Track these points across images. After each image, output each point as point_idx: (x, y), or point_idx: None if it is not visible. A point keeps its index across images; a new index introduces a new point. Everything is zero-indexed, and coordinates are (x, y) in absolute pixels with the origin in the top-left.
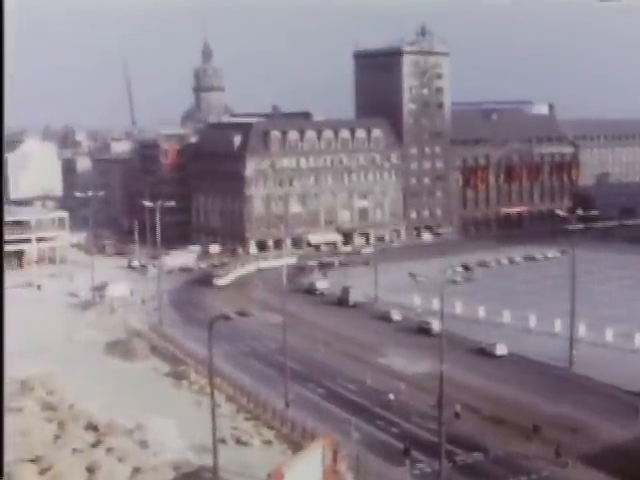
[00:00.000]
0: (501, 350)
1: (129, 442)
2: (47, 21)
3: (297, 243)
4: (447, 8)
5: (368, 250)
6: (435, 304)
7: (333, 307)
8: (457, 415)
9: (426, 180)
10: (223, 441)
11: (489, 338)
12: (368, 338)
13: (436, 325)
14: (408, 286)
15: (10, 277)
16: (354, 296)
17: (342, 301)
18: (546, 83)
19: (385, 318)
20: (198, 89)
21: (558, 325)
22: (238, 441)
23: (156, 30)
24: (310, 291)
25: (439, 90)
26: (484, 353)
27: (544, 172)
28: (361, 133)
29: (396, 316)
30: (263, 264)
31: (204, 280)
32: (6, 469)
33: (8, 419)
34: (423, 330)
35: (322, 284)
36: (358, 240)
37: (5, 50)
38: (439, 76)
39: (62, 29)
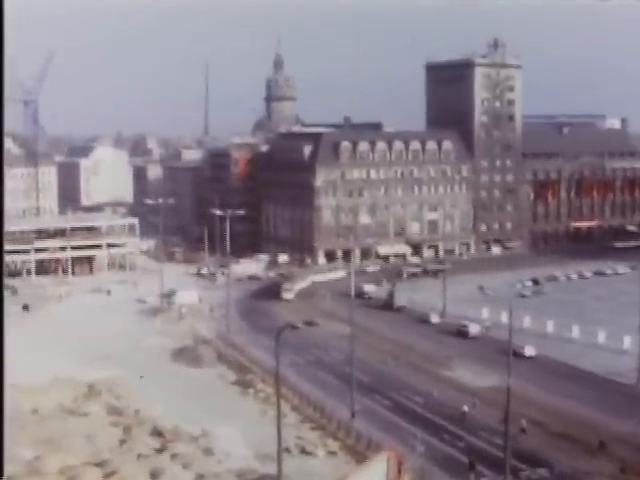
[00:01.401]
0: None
1: (194, 449)
2: (128, 30)
3: (366, 254)
4: (521, 22)
5: (437, 265)
6: (504, 317)
7: (400, 319)
8: (523, 430)
9: (496, 193)
10: (288, 450)
11: (557, 353)
12: (434, 350)
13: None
14: (477, 299)
15: (80, 282)
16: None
17: (408, 312)
18: (619, 97)
19: (452, 330)
20: (270, 99)
21: (627, 342)
22: (302, 451)
23: (229, 39)
24: (375, 301)
25: (511, 103)
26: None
27: (616, 187)
28: (432, 145)
29: (473, 329)
30: (331, 275)
31: (272, 289)
32: (71, 472)
33: (75, 422)
34: (492, 343)
35: (373, 291)
36: (427, 252)
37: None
38: (511, 89)
39: (140, 36)
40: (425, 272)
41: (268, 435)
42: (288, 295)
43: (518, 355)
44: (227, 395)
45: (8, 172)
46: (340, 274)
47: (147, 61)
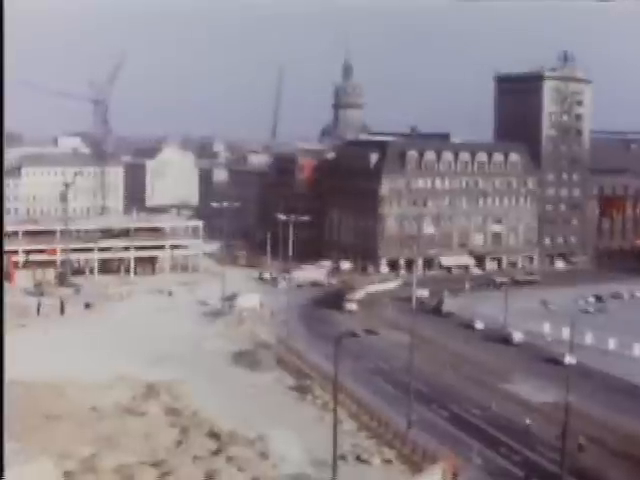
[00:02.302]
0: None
1: (250, 452)
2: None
3: (429, 264)
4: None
5: (528, 276)
6: (565, 333)
7: (462, 330)
8: (581, 447)
9: (562, 207)
10: (343, 458)
11: (618, 371)
12: (496, 363)
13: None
14: (539, 313)
15: (143, 283)
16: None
17: (471, 325)
18: None
19: (513, 344)
20: (337, 106)
21: None
22: (358, 458)
23: (298, 45)
24: (438, 313)
25: (579, 117)
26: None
27: None
28: (498, 157)
29: (517, 337)
30: (392, 283)
31: (334, 296)
32: (126, 471)
33: (132, 421)
34: (552, 360)
35: (450, 306)
36: (490, 265)
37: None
38: (580, 103)
39: (211, 39)
40: (494, 283)
41: (324, 441)
42: (351, 306)
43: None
44: (285, 400)
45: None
46: (397, 284)
47: (217, 64)
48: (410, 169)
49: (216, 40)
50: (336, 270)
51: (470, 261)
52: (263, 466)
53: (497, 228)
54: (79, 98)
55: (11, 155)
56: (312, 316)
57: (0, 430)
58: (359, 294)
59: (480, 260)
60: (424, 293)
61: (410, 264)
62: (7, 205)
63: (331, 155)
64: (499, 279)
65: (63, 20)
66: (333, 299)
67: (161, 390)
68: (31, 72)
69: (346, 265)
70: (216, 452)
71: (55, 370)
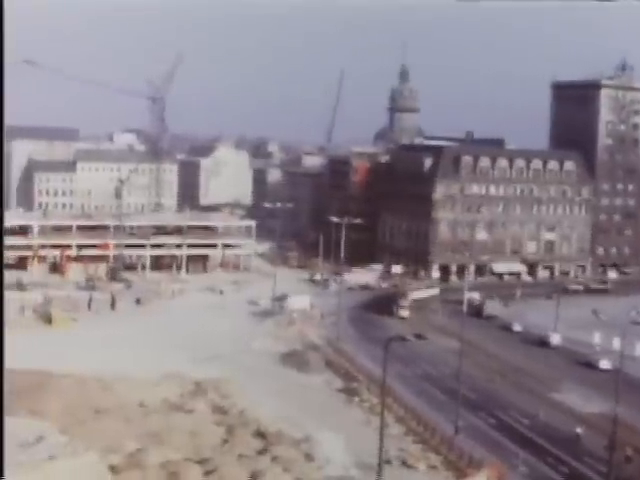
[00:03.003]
0: None
1: (295, 453)
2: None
3: (480, 270)
4: None
5: (600, 285)
6: (615, 344)
7: (510, 338)
8: (628, 459)
9: (616, 217)
10: (389, 462)
11: None
12: (544, 372)
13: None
14: (590, 323)
15: (194, 280)
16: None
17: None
18: None
19: (564, 354)
20: (393, 109)
21: None
22: (404, 463)
23: (355, 47)
24: (489, 320)
25: (636, 126)
26: None
27: None
28: (554, 164)
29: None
30: (444, 287)
31: (384, 300)
32: (172, 467)
33: (179, 418)
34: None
35: (499, 313)
36: (542, 273)
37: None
38: (637, 112)
39: (270, 41)
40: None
41: (370, 445)
42: (403, 313)
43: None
44: (332, 402)
45: (128, 168)
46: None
47: (275, 65)
48: (464, 174)
49: (274, 41)
50: (387, 274)
51: (522, 268)
52: (308, 467)
53: (550, 236)
54: (137, 95)
55: (67, 150)
56: (362, 319)
57: (0, 430)
58: (409, 300)
59: (532, 268)
60: (475, 298)
61: (462, 270)
62: (62, 200)
63: (385, 158)
64: (573, 286)
65: (124, 18)
66: (383, 303)
67: (209, 388)
68: (90, 69)
69: (397, 269)
70: (261, 452)
71: (105, 365)
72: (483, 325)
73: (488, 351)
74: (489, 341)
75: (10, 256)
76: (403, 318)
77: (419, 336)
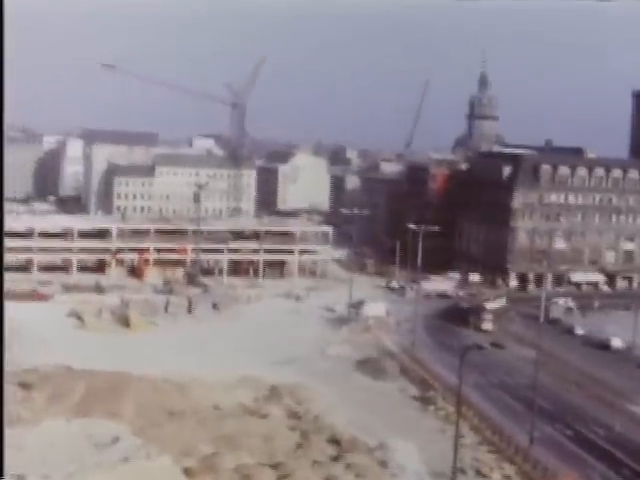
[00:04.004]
0: None
1: (369, 460)
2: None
3: (558, 280)
4: None
5: None
6: None
7: (591, 350)
8: None
9: None
10: (462, 471)
11: None
12: (622, 384)
13: None
14: None
15: (270, 286)
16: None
17: (602, 345)
18: None
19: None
20: (472, 117)
21: None
22: (478, 473)
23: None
24: (569, 333)
25: None
26: None
27: None
28: (634, 174)
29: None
30: (520, 296)
31: (461, 308)
32: (245, 471)
33: (254, 422)
34: None
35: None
36: (621, 283)
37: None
38: None
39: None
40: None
41: (444, 453)
42: (487, 325)
43: None
44: (407, 410)
45: (207, 173)
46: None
47: (353, 71)
48: (543, 183)
49: (354, 45)
50: (464, 282)
51: (600, 278)
52: (382, 475)
53: (630, 246)
54: (218, 101)
55: (146, 154)
56: (438, 327)
57: (0, 430)
58: (490, 306)
59: (611, 278)
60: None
61: (539, 279)
62: (141, 203)
63: (464, 166)
64: None
65: (201, 21)
66: (460, 311)
67: (284, 393)
68: (170, 73)
69: (475, 277)
70: (335, 458)
71: (180, 368)
72: (561, 335)
73: (565, 361)
74: (565, 351)
75: (89, 259)
76: (486, 331)
77: (496, 345)
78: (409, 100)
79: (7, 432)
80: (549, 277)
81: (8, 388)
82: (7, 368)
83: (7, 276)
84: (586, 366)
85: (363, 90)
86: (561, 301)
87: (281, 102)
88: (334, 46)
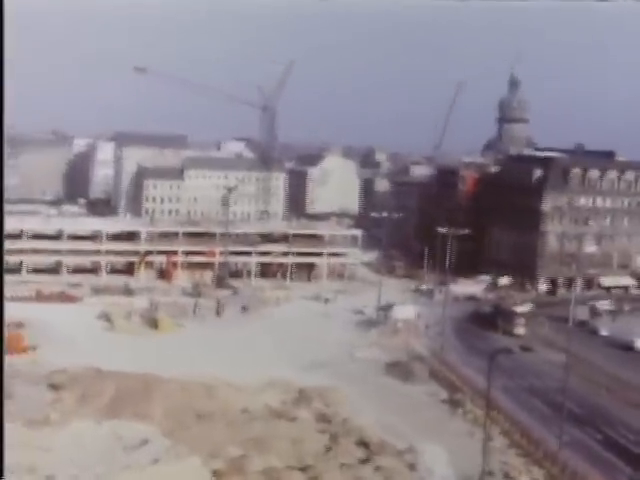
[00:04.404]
0: None
1: (398, 463)
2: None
3: (588, 284)
4: None
5: None
6: None
7: (619, 353)
8: None
9: None
10: (491, 474)
11: None
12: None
13: None
14: None
15: (300, 289)
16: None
17: (629, 347)
18: None
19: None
20: (502, 120)
21: None
22: (506, 476)
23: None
24: (597, 335)
25: None
26: None
27: None
28: None
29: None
30: (549, 300)
31: (491, 311)
32: (274, 474)
33: (282, 425)
34: None
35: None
36: None
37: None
38: None
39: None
40: None
41: (473, 457)
42: (519, 330)
43: None
44: (436, 413)
45: (236, 175)
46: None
47: (381, 74)
48: (573, 186)
49: (383, 49)
50: (493, 285)
51: (631, 282)
52: (411, 478)
53: None
54: (248, 103)
55: (176, 157)
56: (467, 330)
57: (0, 430)
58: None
59: None
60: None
61: (569, 283)
62: (169, 206)
63: (494, 169)
64: None
65: (231, 22)
66: (490, 315)
67: (313, 396)
68: (200, 76)
69: (504, 281)
70: (364, 461)
71: (209, 370)
72: (590, 339)
73: (595, 365)
74: (596, 355)
75: (118, 262)
76: (519, 336)
77: (525, 348)
78: (440, 102)
79: (37, 433)
80: (578, 281)
81: (38, 389)
82: (37, 369)
83: (38, 278)
84: (617, 369)
85: (392, 92)
86: (599, 303)
87: (311, 105)
88: (364, 47)
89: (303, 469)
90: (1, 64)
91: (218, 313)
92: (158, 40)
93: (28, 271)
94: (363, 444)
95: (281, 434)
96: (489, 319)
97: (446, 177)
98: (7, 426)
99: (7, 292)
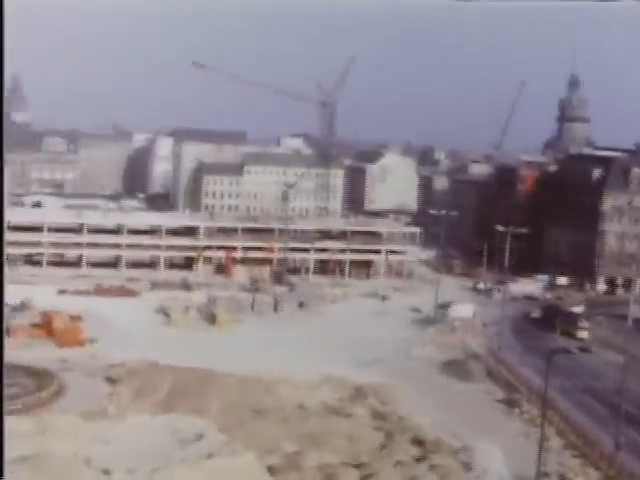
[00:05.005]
0: None
1: (453, 462)
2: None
3: None
4: None
5: None
6: None
7: None
8: None
9: None
10: (546, 475)
11: None
12: None
13: None
14: None
15: (357, 285)
16: None
17: None
18: None
19: None
20: (562, 119)
21: None
22: (562, 477)
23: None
24: None
25: None
26: None
27: None
28: None
29: None
30: (608, 300)
31: (548, 311)
32: (328, 470)
33: (338, 422)
34: None
35: None
36: None
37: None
38: None
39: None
40: None
41: (529, 457)
42: (582, 334)
43: None
44: (492, 412)
45: (295, 172)
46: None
47: (441, 72)
48: (633, 186)
49: (443, 46)
50: (552, 285)
51: None
52: (465, 477)
53: None
54: (308, 100)
55: (234, 153)
56: (525, 329)
57: (0, 430)
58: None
59: None
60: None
61: (628, 283)
62: (228, 202)
63: (553, 168)
64: None
65: (289, 18)
66: (548, 314)
67: (369, 393)
68: (260, 73)
69: (562, 281)
70: (419, 459)
71: (266, 366)
72: None
73: None
74: None
75: (177, 257)
76: (582, 339)
77: (583, 349)
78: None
79: (93, 425)
80: (638, 281)
81: (95, 382)
82: (95, 362)
83: (97, 272)
84: None
85: (452, 91)
86: None
87: (370, 101)
88: (425, 44)
89: (358, 466)
90: (1, 64)
91: (276, 309)
92: (218, 37)
93: (87, 265)
94: (418, 442)
95: (337, 431)
96: (549, 319)
97: (505, 175)
98: (61, 416)
99: (67, 285)
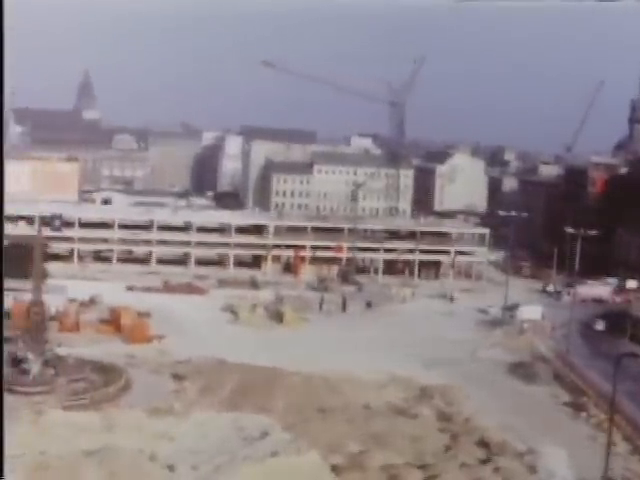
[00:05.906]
0: None
1: (518, 465)
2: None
3: None
4: None
5: None
6: None
7: None
8: None
9: None
10: None
11: None
12: None
13: None
14: None
15: (425, 286)
16: None
17: None
18: None
19: None
20: (633, 120)
21: None
22: None
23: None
24: None
25: None
26: None
27: None
28: None
29: None
30: None
31: (618, 314)
32: (392, 471)
33: (403, 422)
34: None
35: None
36: None
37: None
38: None
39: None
40: None
41: (594, 461)
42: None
43: None
44: (558, 415)
45: (364, 171)
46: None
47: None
48: None
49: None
50: (621, 288)
51: None
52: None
53: None
54: (377, 100)
55: (303, 152)
56: (593, 333)
57: (1, 429)
58: None
59: None
60: None
61: None
62: (298, 201)
63: (624, 170)
64: None
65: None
66: (617, 317)
67: (435, 394)
68: (328, 71)
69: (632, 284)
70: (484, 461)
71: (332, 365)
72: None
73: None
74: None
75: (245, 255)
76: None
77: None
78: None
79: (159, 422)
80: None
81: (162, 378)
82: (162, 359)
83: (166, 269)
84: None
85: (523, 92)
86: None
87: (439, 102)
88: (498, 45)
89: (422, 467)
90: (1, 64)
91: (344, 308)
92: (288, 35)
93: (156, 262)
94: (484, 444)
95: (401, 431)
96: (619, 322)
97: (575, 177)
98: (127, 412)
99: (136, 282)
